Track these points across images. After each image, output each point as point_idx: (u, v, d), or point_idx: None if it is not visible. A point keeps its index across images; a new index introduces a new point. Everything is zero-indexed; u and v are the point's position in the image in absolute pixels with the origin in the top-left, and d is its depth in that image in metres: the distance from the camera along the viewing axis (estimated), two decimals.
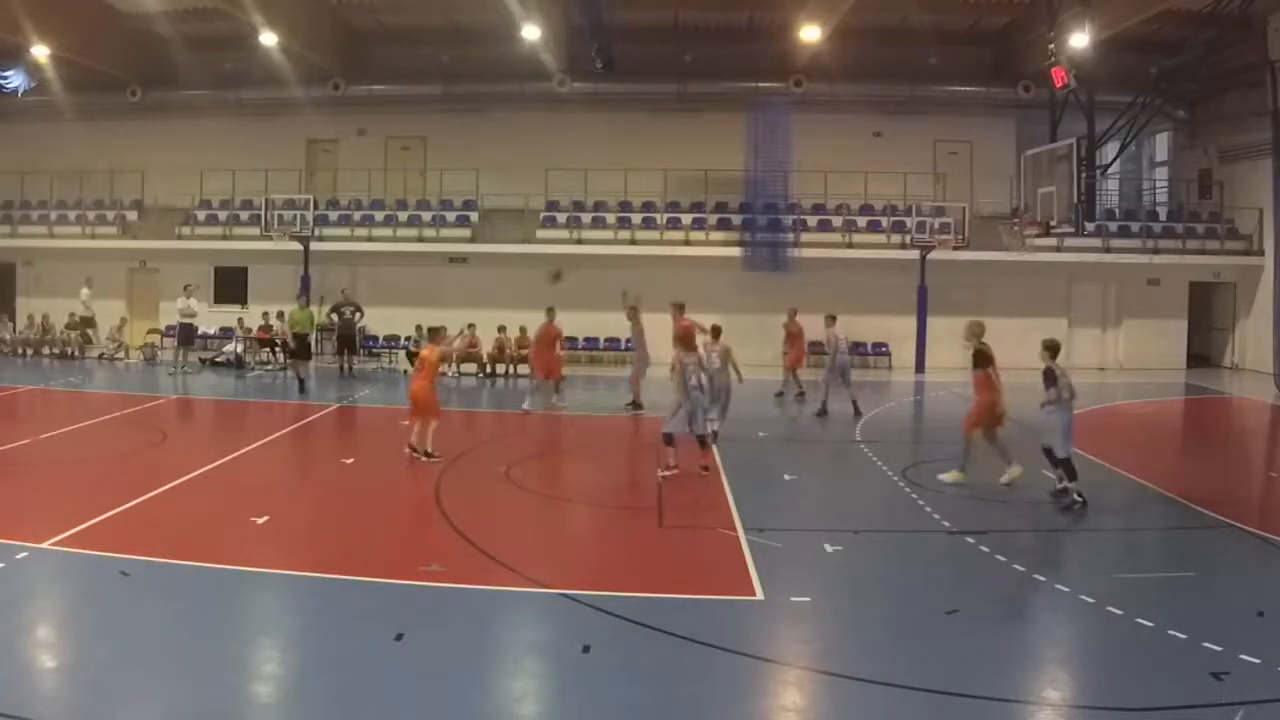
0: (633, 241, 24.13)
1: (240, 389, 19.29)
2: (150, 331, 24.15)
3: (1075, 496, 9.82)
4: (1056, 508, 9.83)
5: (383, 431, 15.87)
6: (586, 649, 6.26)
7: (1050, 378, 9.83)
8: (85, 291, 23.61)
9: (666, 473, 11.01)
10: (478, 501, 10.44)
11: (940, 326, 22.90)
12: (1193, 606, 7.17)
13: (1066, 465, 9.88)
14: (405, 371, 21.46)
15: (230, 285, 25.24)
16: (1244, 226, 23.51)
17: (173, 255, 25.00)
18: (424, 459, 11.67)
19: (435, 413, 12.08)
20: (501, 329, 21.44)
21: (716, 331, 13.82)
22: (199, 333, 21.94)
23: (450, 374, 20.71)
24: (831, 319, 16.66)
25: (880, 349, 24.10)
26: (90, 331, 23.63)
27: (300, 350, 19.31)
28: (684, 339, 11.62)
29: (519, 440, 14.25)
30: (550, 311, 16.75)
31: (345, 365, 21.06)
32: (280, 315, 22.21)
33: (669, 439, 11.13)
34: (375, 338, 23.58)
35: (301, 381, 18.72)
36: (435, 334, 13.19)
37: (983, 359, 10.75)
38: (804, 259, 23.01)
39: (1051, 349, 10.05)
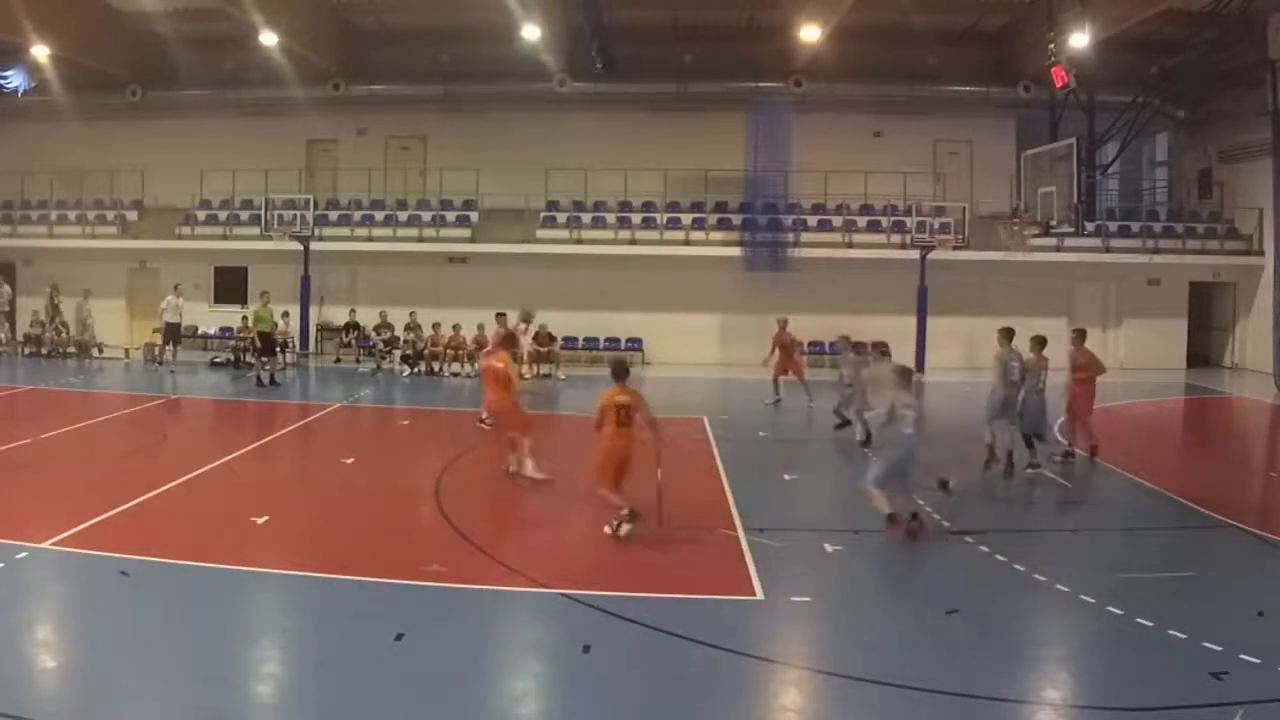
0: (633, 241, 24.13)
1: (240, 389, 19.27)
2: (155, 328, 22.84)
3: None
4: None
5: (383, 431, 15.91)
6: (586, 649, 6.26)
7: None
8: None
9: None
10: (478, 501, 10.45)
11: (940, 326, 22.92)
12: (1193, 606, 7.17)
13: None
14: (409, 373, 21.47)
15: (230, 285, 25.22)
16: (1244, 226, 23.50)
17: (173, 255, 24.97)
18: (527, 477, 10.60)
19: (527, 427, 10.91)
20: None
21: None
22: (198, 331, 21.70)
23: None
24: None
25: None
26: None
27: (265, 347, 19.62)
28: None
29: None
30: (782, 321, 18.06)
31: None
32: (284, 314, 22.16)
33: None
34: (369, 338, 23.30)
35: (259, 378, 19.17)
36: (507, 340, 12.13)
37: None
38: (804, 259, 22.98)
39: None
